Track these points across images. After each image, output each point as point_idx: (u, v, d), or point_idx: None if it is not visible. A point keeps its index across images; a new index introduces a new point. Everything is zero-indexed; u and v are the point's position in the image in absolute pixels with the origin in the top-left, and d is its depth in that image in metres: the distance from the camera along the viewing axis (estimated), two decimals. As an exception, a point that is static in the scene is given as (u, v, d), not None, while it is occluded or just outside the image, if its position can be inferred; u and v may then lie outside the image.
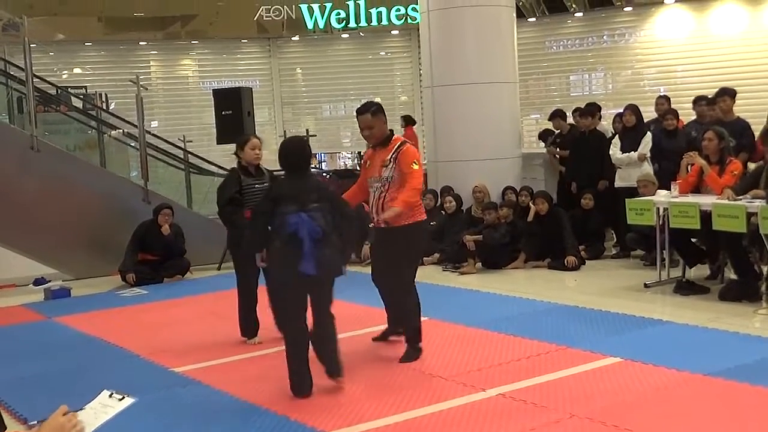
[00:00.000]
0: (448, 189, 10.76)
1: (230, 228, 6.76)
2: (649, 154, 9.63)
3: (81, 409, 2.97)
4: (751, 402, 4.79)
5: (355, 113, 6.17)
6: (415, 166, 5.93)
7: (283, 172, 5.62)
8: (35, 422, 2.90)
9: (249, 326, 6.80)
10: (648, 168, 9.53)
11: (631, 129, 9.77)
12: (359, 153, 15.53)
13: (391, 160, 5.92)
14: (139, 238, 10.01)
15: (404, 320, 6.21)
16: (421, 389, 5.33)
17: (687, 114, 11.57)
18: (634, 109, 9.86)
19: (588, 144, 10.46)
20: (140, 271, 9.86)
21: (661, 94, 11.78)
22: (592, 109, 10.71)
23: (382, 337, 6.50)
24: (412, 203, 5.92)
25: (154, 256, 10.07)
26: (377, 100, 17.50)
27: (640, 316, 6.95)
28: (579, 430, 4.45)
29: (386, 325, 6.55)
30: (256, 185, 6.66)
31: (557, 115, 11.39)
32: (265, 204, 5.47)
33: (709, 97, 9.56)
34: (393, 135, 6.10)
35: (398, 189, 5.89)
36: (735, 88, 9.37)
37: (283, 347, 6.48)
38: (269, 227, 5.36)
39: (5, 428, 2.72)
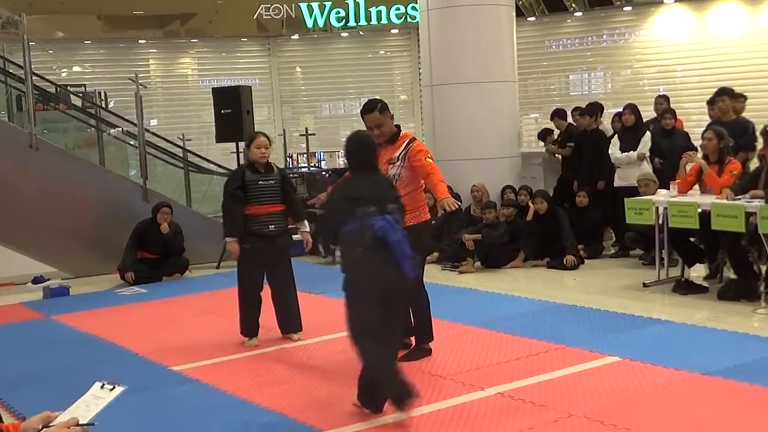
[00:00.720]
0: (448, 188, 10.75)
1: (224, 222, 6.75)
2: (648, 154, 9.63)
3: (74, 404, 2.98)
4: (749, 401, 4.79)
5: (360, 114, 6.04)
6: (430, 160, 5.89)
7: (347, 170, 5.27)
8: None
9: (249, 327, 6.79)
10: (647, 167, 9.53)
11: (630, 128, 9.77)
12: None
13: (400, 157, 5.85)
14: (138, 236, 10.01)
15: (416, 320, 6.11)
16: (420, 388, 5.31)
17: (685, 113, 11.61)
18: (633, 109, 9.86)
19: (588, 143, 10.46)
20: (139, 269, 9.86)
21: (660, 93, 11.78)
22: (594, 109, 10.71)
23: None
24: (439, 191, 5.82)
25: (153, 255, 10.07)
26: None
27: (639, 315, 6.95)
28: (577, 430, 4.45)
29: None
30: (260, 182, 6.64)
31: (557, 114, 11.39)
32: (342, 205, 4.91)
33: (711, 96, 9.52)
34: (401, 132, 6.06)
35: (406, 187, 5.80)
36: (734, 88, 9.37)
37: (282, 346, 6.53)
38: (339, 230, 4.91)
39: (1, 421, 2.71)
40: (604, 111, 11.13)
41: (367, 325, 4.77)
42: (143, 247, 10.05)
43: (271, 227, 6.64)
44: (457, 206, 5.93)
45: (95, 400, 2.96)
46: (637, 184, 9.10)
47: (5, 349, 7.09)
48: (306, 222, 7.00)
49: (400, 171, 5.85)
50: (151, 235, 10.01)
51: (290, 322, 6.84)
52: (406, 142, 5.92)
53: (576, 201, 10.10)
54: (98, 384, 3.04)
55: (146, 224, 10.06)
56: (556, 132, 11.47)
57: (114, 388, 2.98)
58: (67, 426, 2.76)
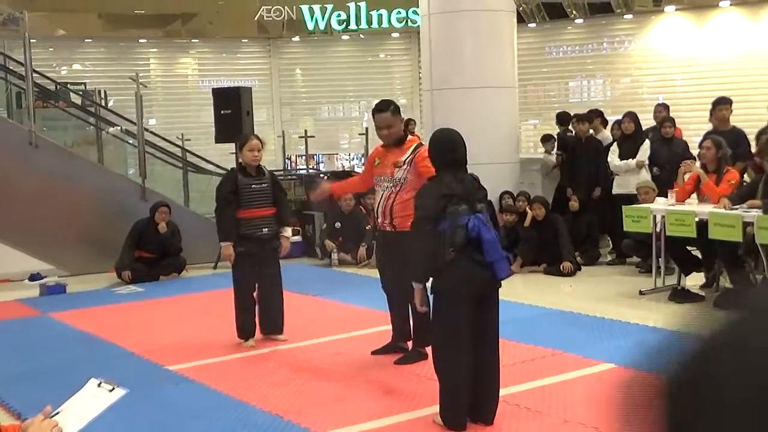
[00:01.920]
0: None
1: (218, 226, 6.76)
2: (647, 162, 9.65)
3: (68, 401, 2.97)
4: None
5: (372, 112, 6.07)
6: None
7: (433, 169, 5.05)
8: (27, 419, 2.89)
9: (246, 328, 6.79)
10: (646, 175, 9.55)
11: (629, 136, 9.79)
12: (357, 155, 15.58)
13: (407, 162, 5.84)
14: (136, 235, 10.02)
15: (419, 323, 6.07)
16: (416, 391, 5.34)
17: (684, 122, 11.62)
18: (632, 117, 9.89)
19: (584, 150, 10.48)
20: (136, 268, 9.87)
21: (660, 101, 11.80)
22: (590, 116, 10.74)
23: (383, 351, 6.24)
24: None
25: (151, 254, 10.07)
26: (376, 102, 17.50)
27: (635, 322, 6.96)
28: (572, 436, 4.46)
29: (389, 333, 6.35)
30: (253, 185, 6.66)
31: (560, 119, 11.39)
32: (434, 203, 4.65)
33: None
34: (408, 136, 6.05)
35: (410, 192, 5.79)
36: (733, 98, 9.40)
37: (277, 348, 6.53)
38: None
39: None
40: (605, 118, 11.15)
41: (457, 332, 4.53)
42: (141, 246, 10.06)
43: (265, 230, 6.66)
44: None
45: (93, 399, 2.95)
46: (635, 192, 9.12)
47: (1, 346, 7.09)
48: (289, 228, 7.00)
49: (406, 175, 5.84)
50: (148, 235, 10.02)
51: (273, 324, 6.85)
52: (413, 147, 5.92)
53: (569, 205, 10.12)
54: (94, 381, 3.02)
55: (144, 223, 10.06)
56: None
57: (114, 389, 2.97)
58: (42, 417, 2.77)
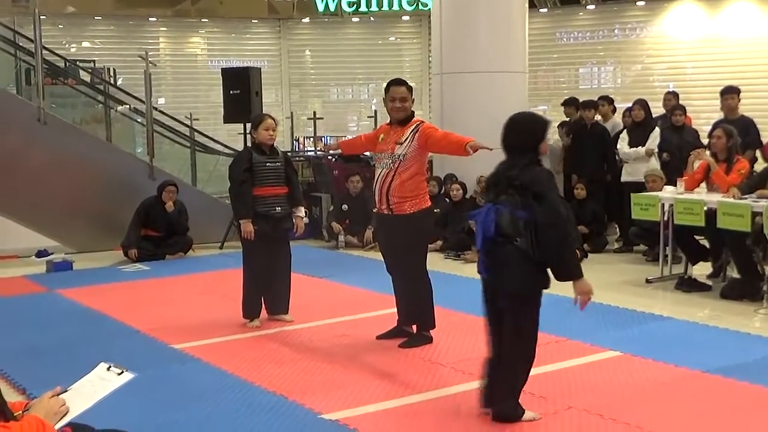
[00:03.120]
0: (452, 176, 10.75)
1: (236, 204, 6.74)
2: (656, 150, 9.61)
3: (77, 382, 2.99)
4: (749, 400, 4.80)
5: (387, 85, 6.08)
6: (440, 130, 5.95)
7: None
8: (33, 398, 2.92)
9: (252, 308, 6.80)
10: (655, 163, 9.51)
11: (639, 124, 9.75)
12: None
13: (408, 139, 5.84)
14: (143, 213, 10.03)
15: (417, 307, 6.11)
16: (420, 375, 5.34)
17: (694, 111, 11.57)
18: (643, 104, 9.84)
19: (590, 137, 10.44)
20: (143, 247, 9.89)
21: (670, 89, 11.75)
22: (596, 102, 10.70)
23: (388, 335, 6.23)
24: (461, 139, 5.79)
25: (157, 233, 10.08)
26: (385, 85, 17.45)
27: (641, 311, 6.95)
28: (576, 423, 4.45)
29: (394, 316, 6.34)
30: (268, 163, 6.64)
31: (570, 103, 11.34)
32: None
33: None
34: (413, 115, 6.05)
35: (408, 170, 5.81)
36: (745, 86, 9.35)
37: (284, 328, 6.55)
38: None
39: (4, 403, 2.72)
40: (615, 105, 11.09)
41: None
42: (147, 225, 10.07)
43: (278, 209, 6.65)
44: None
45: (101, 381, 2.97)
46: (644, 180, 9.08)
47: (8, 322, 7.11)
48: (302, 208, 6.99)
49: (405, 152, 5.83)
50: (155, 213, 10.02)
51: (280, 305, 6.86)
52: (415, 125, 5.92)
53: (574, 193, 10.08)
54: (104, 365, 3.05)
55: (151, 202, 10.07)
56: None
57: (122, 373, 2.99)
58: (49, 396, 2.79)
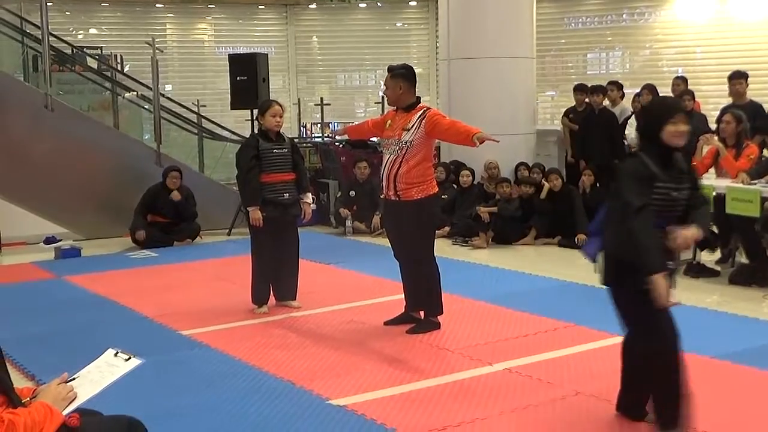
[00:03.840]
0: (457, 162, 10.73)
1: (244, 191, 6.73)
2: None
3: (85, 368, 2.99)
4: (757, 386, 4.79)
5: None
6: (447, 118, 5.93)
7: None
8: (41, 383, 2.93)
9: (261, 294, 6.81)
10: None
11: None
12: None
13: (415, 125, 5.83)
14: (149, 200, 10.03)
15: (424, 293, 6.11)
16: (428, 361, 5.34)
17: (703, 96, 11.51)
18: (651, 89, 9.79)
19: (597, 122, 10.39)
20: (151, 233, 9.89)
21: (679, 75, 11.69)
22: (604, 87, 10.65)
23: (396, 321, 6.23)
24: (469, 129, 5.74)
25: (165, 219, 10.10)
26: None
27: (649, 296, 6.92)
28: (584, 408, 4.45)
29: (402, 302, 6.32)
30: (275, 150, 6.63)
31: (580, 89, 11.28)
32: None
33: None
34: (418, 102, 6.03)
35: (415, 156, 5.81)
36: (755, 71, 9.28)
37: (291, 314, 6.56)
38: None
39: (11, 389, 2.73)
40: (623, 89, 11.03)
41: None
42: (154, 211, 10.08)
43: (286, 195, 6.65)
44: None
45: (109, 367, 2.98)
46: None
47: (17, 308, 7.14)
48: (310, 194, 6.98)
49: (413, 138, 5.82)
50: (162, 199, 10.03)
51: (288, 291, 6.87)
52: (422, 110, 5.90)
53: (582, 180, 10.03)
54: (112, 351, 3.06)
55: (157, 188, 10.07)
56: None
57: (129, 359, 3.00)
58: (57, 382, 2.80)
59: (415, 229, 5.94)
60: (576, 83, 11.67)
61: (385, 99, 6.18)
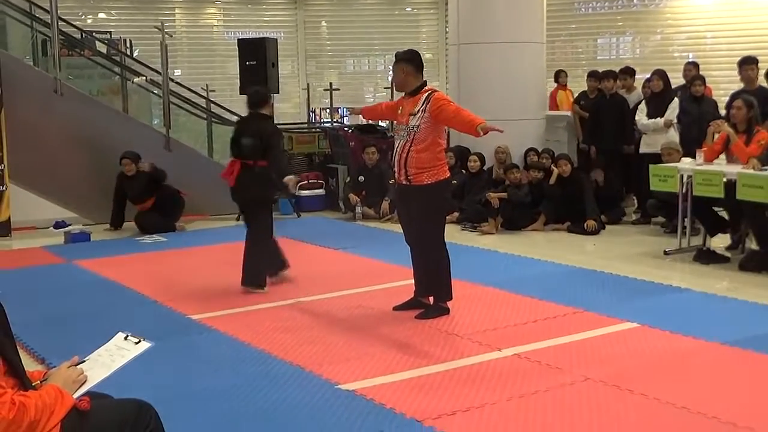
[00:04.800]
0: (461, 148, 10.68)
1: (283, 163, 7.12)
2: (676, 121, 9.52)
3: (95, 351, 3.00)
4: (766, 371, 4.78)
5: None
6: (453, 104, 5.90)
7: None
8: (51, 367, 2.94)
9: (266, 277, 6.91)
10: (674, 135, 9.43)
11: (658, 95, 9.66)
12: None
13: (420, 109, 5.82)
14: (119, 190, 10.02)
15: (434, 279, 6.11)
16: (437, 346, 5.34)
17: (714, 81, 11.45)
18: (661, 75, 9.74)
19: (608, 108, 10.35)
20: (144, 222, 9.92)
21: (690, 60, 11.63)
22: (615, 72, 10.60)
23: (405, 307, 6.23)
24: (474, 119, 5.71)
25: (144, 202, 10.00)
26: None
27: (659, 282, 6.92)
28: (593, 393, 4.45)
29: (411, 287, 6.31)
30: None
31: (592, 75, 11.23)
32: None
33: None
34: (424, 85, 6.01)
35: (423, 141, 5.80)
36: (766, 56, 9.23)
37: (300, 299, 6.57)
38: None
39: (23, 371, 2.75)
40: (635, 75, 10.98)
41: None
42: (135, 200, 10.05)
43: None
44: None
45: (119, 351, 2.99)
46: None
47: (27, 292, 7.14)
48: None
49: (419, 123, 5.81)
50: (127, 185, 9.96)
51: None
52: (426, 94, 5.89)
53: (594, 174, 10.00)
54: (122, 335, 3.07)
55: (121, 175, 10.03)
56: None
57: (139, 342, 3.01)
58: (67, 365, 2.82)
59: (425, 214, 5.94)
60: (589, 70, 11.61)
61: (394, 85, 6.15)
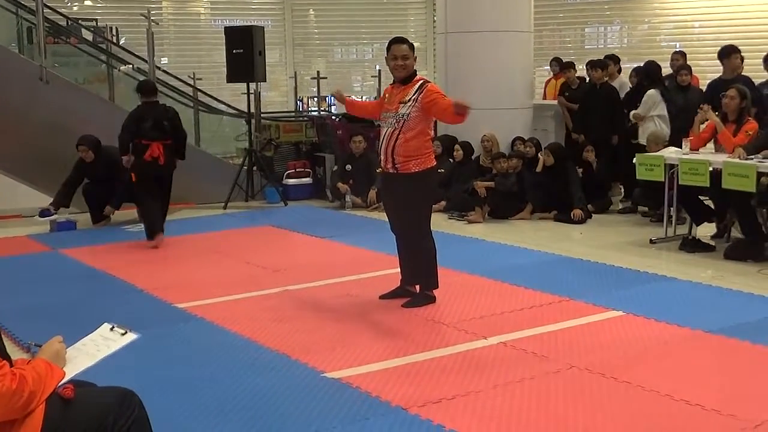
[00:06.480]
0: (447, 137, 10.67)
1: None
2: (665, 113, 9.50)
3: (80, 341, 3.00)
4: (750, 359, 4.81)
5: (388, 44, 5.97)
6: (447, 99, 5.82)
7: None
8: (31, 342, 2.96)
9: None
10: (653, 127, 9.39)
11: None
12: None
13: (412, 99, 5.78)
14: (79, 172, 9.66)
15: (421, 267, 6.10)
16: (423, 335, 5.35)
17: (701, 71, 11.48)
18: (637, 71, 9.85)
19: (598, 97, 10.36)
20: (93, 194, 9.69)
21: (677, 49, 11.65)
22: (604, 62, 10.61)
23: (391, 295, 6.22)
24: (458, 107, 5.63)
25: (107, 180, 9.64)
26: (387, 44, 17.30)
27: (644, 271, 6.95)
28: (578, 381, 4.46)
29: (397, 276, 6.31)
30: None
31: (569, 66, 11.27)
32: None
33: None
34: (415, 74, 6.00)
35: (412, 130, 5.77)
36: (751, 46, 9.26)
37: (286, 288, 6.56)
38: None
39: (9, 357, 2.74)
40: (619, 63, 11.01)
41: None
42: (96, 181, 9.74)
43: None
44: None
45: (104, 341, 2.99)
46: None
47: (12, 281, 7.14)
48: None
49: (410, 111, 5.78)
50: (86, 168, 9.63)
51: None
52: (419, 84, 5.86)
53: (583, 156, 10.00)
54: (107, 325, 3.07)
55: (77, 164, 9.66)
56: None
57: (125, 333, 3.01)
58: (57, 341, 2.83)
59: (413, 202, 5.92)
60: (589, 59, 11.61)
61: (394, 72, 5.92)
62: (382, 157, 5.97)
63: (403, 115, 5.79)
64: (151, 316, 5.81)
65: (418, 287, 6.16)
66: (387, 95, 6.05)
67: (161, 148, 8.59)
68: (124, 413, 2.80)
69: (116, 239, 8.90)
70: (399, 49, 5.88)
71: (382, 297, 6.21)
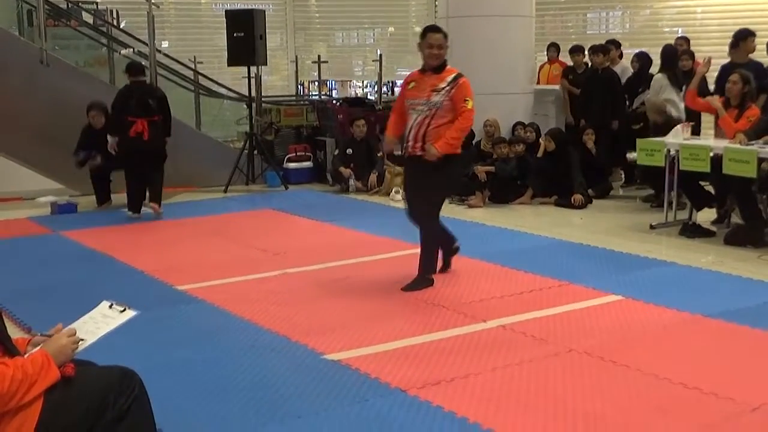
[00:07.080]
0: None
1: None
2: (673, 97, 9.46)
3: (80, 319, 3.01)
4: (749, 344, 4.82)
5: (423, 32, 6.02)
6: (469, 105, 5.85)
7: None
8: (38, 334, 2.94)
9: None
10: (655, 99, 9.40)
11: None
12: (371, 82, 15.46)
13: (446, 90, 5.82)
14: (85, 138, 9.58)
15: (422, 249, 6.14)
16: (422, 317, 5.37)
17: (703, 56, 11.42)
18: (639, 56, 9.84)
19: (599, 82, 10.34)
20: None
21: (680, 35, 11.62)
22: (606, 47, 10.57)
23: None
24: (456, 144, 5.87)
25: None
26: (391, 29, 17.30)
27: (644, 256, 6.96)
28: (577, 364, 4.48)
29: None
30: None
31: (577, 50, 11.20)
32: None
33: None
34: (447, 64, 6.01)
35: (444, 117, 5.82)
36: (755, 31, 9.22)
37: (285, 271, 6.58)
38: None
39: (10, 338, 2.75)
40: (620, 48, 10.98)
41: None
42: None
43: None
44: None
45: (104, 318, 2.99)
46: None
47: (13, 262, 7.16)
48: None
49: (443, 100, 5.83)
50: (92, 134, 9.53)
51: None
52: (453, 75, 5.89)
53: (583, 139, 9.99)
54: (106, 303, 3.07)
55: (85, 129, 9.60)
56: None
57: (125, 310, 3.01)
58: (67, 335, 2.81)
59: (433, 184, 5.98)
60: (575, 45, 11.57)
61: (428, 59, 5.92)
62: (411, 142, 5.99)
63: (435, 103, 5.84)
64: (152, 298, 5.83)
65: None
66: (413, 82, 6.05)
67: (145, 124, 8.88)
68: (125, 392, 2.81)
69: (117, 222, 8.91)
70: (435, 38, 5.93)
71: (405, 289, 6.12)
